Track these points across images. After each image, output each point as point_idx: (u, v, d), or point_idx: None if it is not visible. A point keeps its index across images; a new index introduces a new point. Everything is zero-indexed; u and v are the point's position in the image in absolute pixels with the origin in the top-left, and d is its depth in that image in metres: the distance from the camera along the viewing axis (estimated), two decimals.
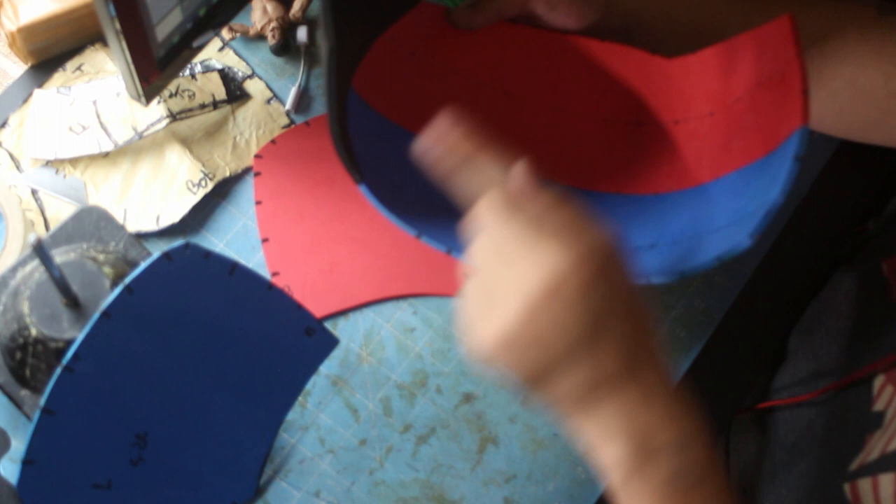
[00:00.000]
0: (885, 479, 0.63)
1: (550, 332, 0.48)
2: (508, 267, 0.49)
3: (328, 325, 0.76)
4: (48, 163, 0.78)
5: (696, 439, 0.50)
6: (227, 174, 0.80)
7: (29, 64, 0.82)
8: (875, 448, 0.65)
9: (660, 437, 0.50)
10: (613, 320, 0.49)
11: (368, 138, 0.69)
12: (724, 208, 0.66)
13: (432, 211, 0.65)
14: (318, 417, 0.75)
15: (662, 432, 0.50)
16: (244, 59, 0.84)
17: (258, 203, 0.80)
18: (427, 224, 0.65)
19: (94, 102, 0.79)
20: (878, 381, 0.68)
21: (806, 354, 0.79)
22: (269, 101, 0.83)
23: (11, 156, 0.79)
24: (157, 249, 0.62)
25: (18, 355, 0.67)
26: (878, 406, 0.68)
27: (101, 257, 0.68)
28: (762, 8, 0.70)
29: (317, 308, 0.76)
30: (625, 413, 0.50)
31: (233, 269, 0.63)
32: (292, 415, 0.74)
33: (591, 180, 0.73)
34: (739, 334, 0.81)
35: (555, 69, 0.75)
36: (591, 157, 0.73)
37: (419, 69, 0.75)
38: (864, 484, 0.65)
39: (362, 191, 0.64)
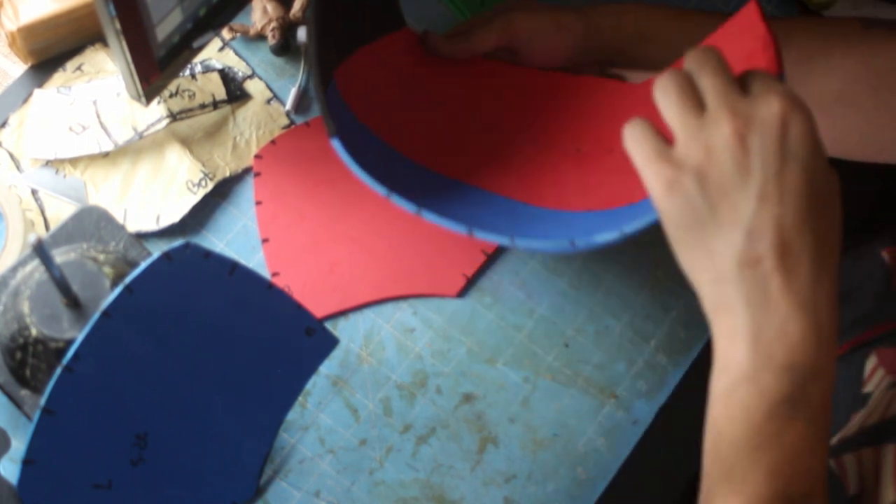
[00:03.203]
0: (867, 454, 0.64)
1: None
2: None
3: (328, 325, 0.76)
4: (48, 163, 0.78)
5: (820, 376, 0.49)
6: (227, 174, 0.80)
7: (29, 64, 0.81)
8: (855, 423, 0.66)
9: (786, 358, 0.49)
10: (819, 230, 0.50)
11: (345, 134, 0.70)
12: None
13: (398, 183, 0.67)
14: (318, 417, 0.75)
15: (792, 354, 0.49)
16: (244, 59, 0.84)
17: (258, 203, 0.80)
18: (396, 187, 0.66)
19: (94, 102, 0.79)
20: (871, 363, 0.69)
21: None
22: (269, 102, 0.83)
23: (11, 156, 0.79)
24: (157, 249, 0.62)
25: (18, 355, 0.67)
26: (868, 388, 0.68)
27: (101, 257, 0.68)
28: None
29: (317, 308, 0.76)
30: (760, 322, 0.49)
31: (233, 269, 0.63)
32: (292, 415, 0.74)
33: (567, 203, 0.74)
34: None
35: (529, 103, 0.76)
36: (565, 184, 0.74)
37: (400, 88, 0.76)
38: (848, 459, 0.65)
39: (334, 145, 0.66)
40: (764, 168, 0.49)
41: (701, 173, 0.50)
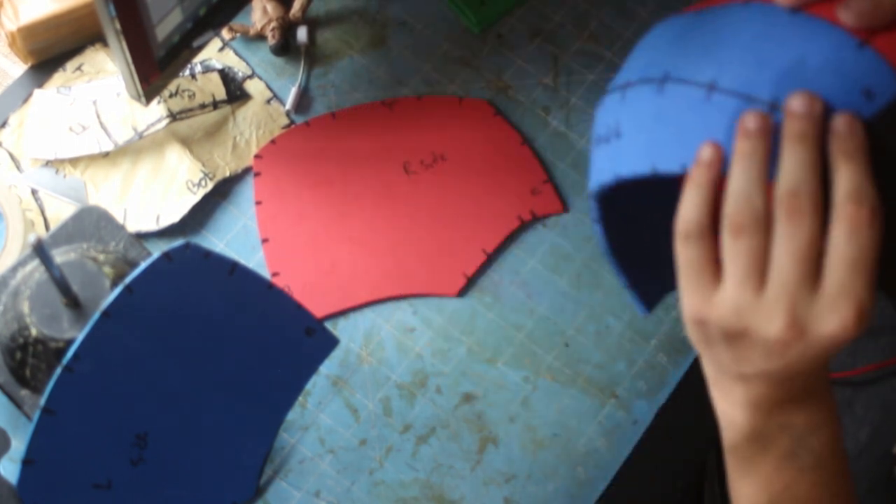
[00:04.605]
0: None
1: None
2: None
3: (328, 325, 0.76)
4: (48, 163, 0.78)
5: (822, 427, 0.49)
6: (227, 174, 0.80)
7: (29, 64, 0.82)
8: None
9: (785, 418, 0.49)
10: None
11: None
12: None
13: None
14: (318, 417, 0.75)
15: (790, 413, 0.49)
16: (244, 59, 0.84)
17: (258, 203, 0.80)
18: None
19: (94, 102, 0.79)
20: None
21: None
22: (269, 101, 0.83)
23: (11, 156, 0.79)
24: (157, 249, 0.62)
25: (18, 355, 0.67)
26: None
27: (101, 257, 0.68)
28: None
29: (317, 308, 0.76)
30: (757, 389, 0.49)
31: (233, 269, 0.63)
32: (292, 415, 0.74)
33: None
34: None
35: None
36: None
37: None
38: None
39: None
40: (786, 360, 0.46)
41: (729, 337, 0.47)
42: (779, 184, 0.43)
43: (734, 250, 0.44)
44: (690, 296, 0.47)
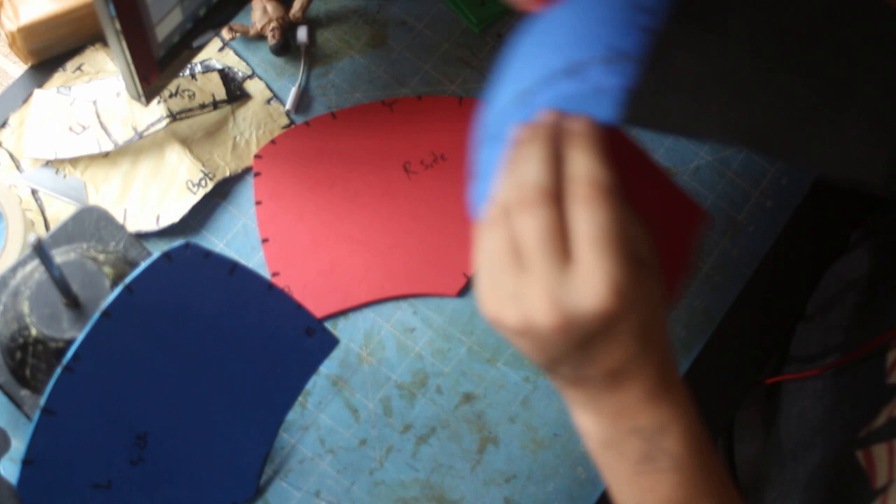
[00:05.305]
0: None
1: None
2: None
3: (328, 325, 0.76)
4: (48, 163, 0.78)
5: (671, 427, 0.49)
6: (227, 174, 0.80)
7: (29, 64, 0.82)
8: (882, 415, 0.65)
9: (630, 422, 0.49)
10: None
11: None
12: None
13: None
14: (318, 417, 0.75)
15: (634, 417, 0.49)
16: (244, 59, 0.84)
17: (258, 203, 0.80)
18: None
19: (94, 102, 0.79)
20: (892, 355, 0.69)
21: (816, 331, 0.79)
22: (269, 101, 0.83)
23: (11, 156, 0.79)
24: (157, 249, 0.62)
25: (18, 355, 0.67)
26: (893, 379, 0.68)
27: (101, 257, 0.68)
28: None
29: (317, 308, 0.76)
30: (587, 392, 0.49)
31: (233, 269, 0.63)
32: (292, 415, 0.74)
33: None
34: (739, 334, 0.81)
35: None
36: None
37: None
38: (879, 449, 0.65)
39: None
40: (585, 348, 0.46)
41: (520, 335, 0.47)
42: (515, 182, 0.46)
43: (490, 239, 0.47)
44: (492, 292, 0.47)
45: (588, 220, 0.44)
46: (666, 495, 0.50)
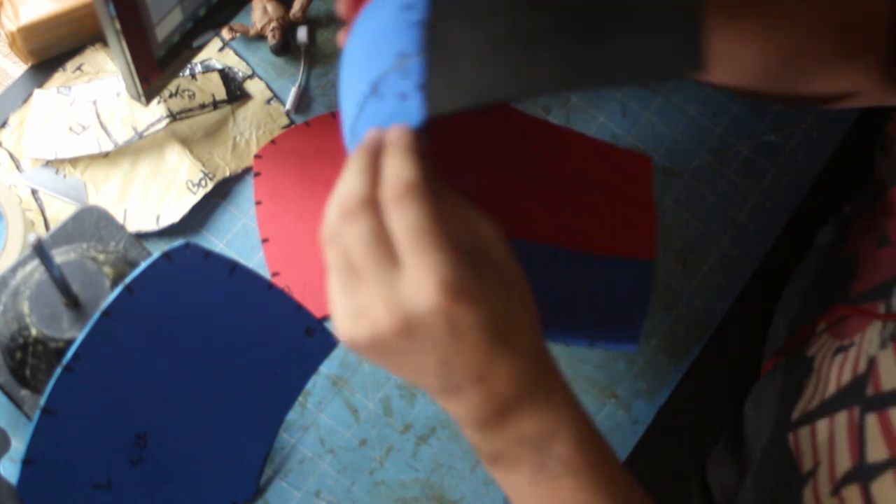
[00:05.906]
0: (822, 425, 0.63)
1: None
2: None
3: (328, 324, 0.76)
4: (48, 163, 0.78)
5: (559, 432, 0.48)
6: (227, 174, 0.80)
7: (29, 64, 0.82)
8: (815, 397, 0.66)
9: (514, 432, 0.48)
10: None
11: None
12: (606, 289, 0.70)
13: None
14: (318, 417, 0.75)
15: (517, 426, 0.48)
16: (244, 59, 0.84)
17: (258, 203, 0.80)
18: None
19: (94, 102, 0.79)
20: (814, 343, 0.70)
21: (781, 328, 0.80)
22: (269, 101, 0.83)
23: (11, 156, 0.79)
24: (157, 249, 0.62)
25: (18, 355, 0.67)
26: (811, 351, 0.69)
27: (101, 257, 0.68)
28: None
29: (317, 308, 0.76)
30: (461, 404, 0.48)
31: (233, 269, 0.63)
32: (292, 415, 0.74)
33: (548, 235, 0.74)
34: (739, 335, 0.81)
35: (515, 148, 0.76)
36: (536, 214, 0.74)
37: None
38: (803, 432, 0.65)
39: None
40: (437, 351, 0.45)
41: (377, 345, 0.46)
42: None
43: (329, 261, 0.46)
44: (345, 302, 0.47)
45: (401, 219, 0.44)
46: (568, 500, 0.49)
